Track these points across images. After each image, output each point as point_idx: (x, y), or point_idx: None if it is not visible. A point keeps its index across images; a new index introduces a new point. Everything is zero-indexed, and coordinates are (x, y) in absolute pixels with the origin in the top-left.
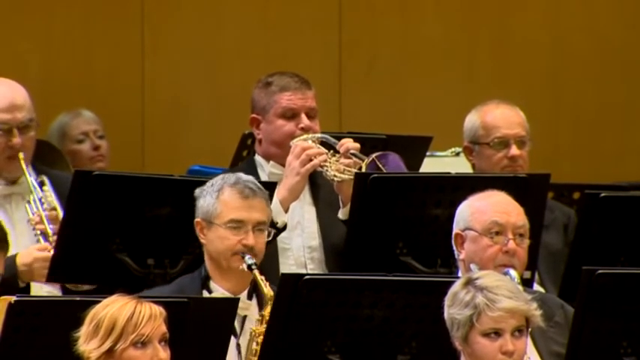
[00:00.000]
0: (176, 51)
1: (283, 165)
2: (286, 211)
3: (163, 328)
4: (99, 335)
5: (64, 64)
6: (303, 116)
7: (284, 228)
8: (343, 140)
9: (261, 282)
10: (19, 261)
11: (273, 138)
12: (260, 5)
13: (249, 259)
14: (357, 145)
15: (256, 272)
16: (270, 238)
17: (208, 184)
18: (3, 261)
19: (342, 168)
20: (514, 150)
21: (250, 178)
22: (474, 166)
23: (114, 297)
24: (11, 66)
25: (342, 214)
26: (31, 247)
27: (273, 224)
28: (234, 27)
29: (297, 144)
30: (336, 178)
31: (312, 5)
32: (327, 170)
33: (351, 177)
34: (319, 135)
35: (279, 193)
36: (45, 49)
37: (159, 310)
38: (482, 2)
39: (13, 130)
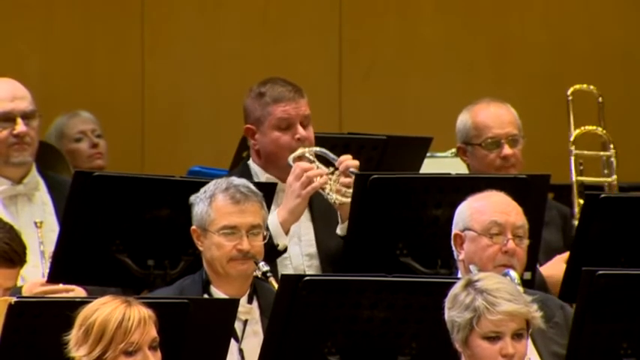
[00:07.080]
0: (176, 51)
1: (279, 177)
2: (287, 233)
3: (153, 333)
4: (89, 342)
5: (64, 64)
6: (299, 126)
7: (284, 250)
8: (342, 157)
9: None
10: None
11: (270, 150)
12: (260, 6)
13: (263, 266)
14: (357, 163)
15: (272, 280)
16: (265, 241)
17: (201, 190)
18: (18, 275)
19: (342, 189)
20: (506, 150)
21: (243, 181)
22: (468, 167)
23: (104, 299)
24: (11, 66)
25: (341, 230)
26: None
27: (274, 246)
28: (234, 27)
29: (297, 164)
30: (337, 201)
31: (312, 6)
32: (328, 193)
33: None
34: (317, 149)
35: (279, 215)
36: (45, 49)
37: (148, 314)
38: (482, 2)
39: (16, 118)
